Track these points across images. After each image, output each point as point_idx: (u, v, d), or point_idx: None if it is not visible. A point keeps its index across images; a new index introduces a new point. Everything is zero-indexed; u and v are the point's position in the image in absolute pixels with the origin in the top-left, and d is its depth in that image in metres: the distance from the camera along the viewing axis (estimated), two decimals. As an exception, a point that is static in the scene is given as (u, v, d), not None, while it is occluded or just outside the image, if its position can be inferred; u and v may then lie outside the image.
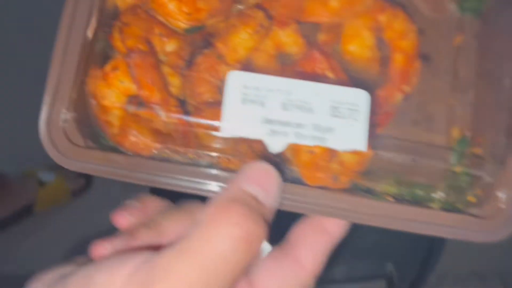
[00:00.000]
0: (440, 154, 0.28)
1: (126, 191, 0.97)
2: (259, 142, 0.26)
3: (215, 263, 0.19)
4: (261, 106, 0.25)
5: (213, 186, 0.26)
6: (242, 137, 0.26)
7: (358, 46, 0.29)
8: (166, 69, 0.28)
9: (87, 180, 0.99)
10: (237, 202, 0.20)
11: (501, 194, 0.28)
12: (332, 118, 0.25)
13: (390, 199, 0.28)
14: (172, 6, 0.28)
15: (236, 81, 0.25)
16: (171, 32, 0.28)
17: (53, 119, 0.26)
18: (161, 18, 0.28)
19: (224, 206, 0.20)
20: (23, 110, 0.97)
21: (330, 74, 0.28)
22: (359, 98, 0.26)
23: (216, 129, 0.26)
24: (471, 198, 0.28)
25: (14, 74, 1.01)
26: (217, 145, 0.27)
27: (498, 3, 0.30)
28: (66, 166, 0.26)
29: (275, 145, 0.26)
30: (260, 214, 0.20)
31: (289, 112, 0.25)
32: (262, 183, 0.22)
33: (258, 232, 0.20)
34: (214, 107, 0.27)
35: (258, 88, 0.25)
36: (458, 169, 0.29)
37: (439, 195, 0.28)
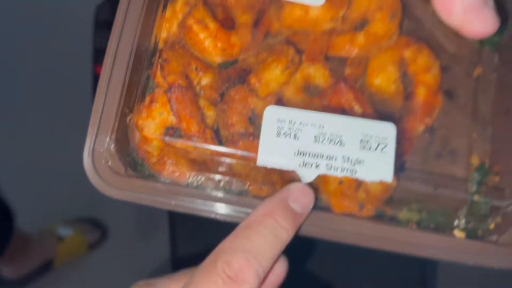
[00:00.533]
0: (460, 185, 0.29)
1: (141, 241, 1.00)
2: (290, 172, 0.28)
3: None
4: (294, 139, 0.27)
5: (245, 214, 0.28)
6: (277, 168, 0.27)
7: (383, 80, 0.30)
8: (202, 102, 0.29)
9: (103, 232, 1.02)
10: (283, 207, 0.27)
11: (519, 221, 0.29)
12: (361, 151, 0.27)
13: (413, 226, 0.30)
14: (208, 43, 0.30)
15: (272, 116, 0.27)
16: (207, 67, 0.30)
17: (96, 149, 0.28)
18: (197, 54, 0.30)
19: (271, 209, 0.26)
20: (38, 169, 1.01)
21: (356, 106, 0.30)
22: (388, 131, 0.27)
23: (249, 159, 0.28)
24: (491, 226, 0.30)
25: (28, 134, 1.05)
26: (250, 174, 0.29)
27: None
28: (109, 195, 0.28)
29: (307, 176, 0.27)
30: (295, 218, 0.27)
31: (321, 144, 0.27)
32: (301, 201, 0.27)
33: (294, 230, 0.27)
34: (247, 138, 0.28)
35: (292, 121, 0.27)
36: (477, 197, 0.30)
37: (460, 222, 0.30)
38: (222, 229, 0.26)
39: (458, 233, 0.30)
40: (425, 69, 0.30)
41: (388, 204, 0.30)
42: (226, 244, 0.26)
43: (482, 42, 0.32)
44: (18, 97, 1.07)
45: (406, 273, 0.65)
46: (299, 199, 0.27)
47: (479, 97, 0.29)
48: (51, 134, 1.03)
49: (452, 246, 0.29)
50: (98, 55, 0.66)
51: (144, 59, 0.30)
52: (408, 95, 0.31)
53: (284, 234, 0.26)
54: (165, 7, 0.30)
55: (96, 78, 0.66)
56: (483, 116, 0.29)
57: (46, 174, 0.99)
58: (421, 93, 0.30)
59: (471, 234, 0.30)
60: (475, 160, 0.31)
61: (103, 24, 0.62)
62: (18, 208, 0.90)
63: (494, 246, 0.29)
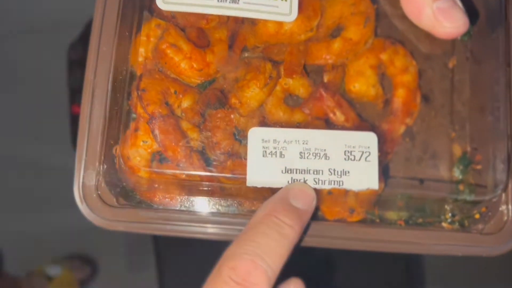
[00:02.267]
0: (445, 181, 0.30)
1: (132, 274, 0.99)
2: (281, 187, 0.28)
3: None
4: (280, 157, 0.27)
5: (239, 231, 0.28)
6: (266, 187, 0.28)
7: (362, 84, 0.30)
8: (185, 125, 0.29)
9: (93, 267, 1.01)
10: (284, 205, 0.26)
11: (504, 208, 0.30)
12: (346, 162, 0.28)
13: (402, 223, 0.31)
14: (183, 65, 0.30)
15: (256, 137, 0.27)
16: (185, 88, 0.30)
17: (85, 184, 0.28)
18: (174, 76, 0.30)
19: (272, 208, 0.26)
20: (25, 209, 0.99)
21: (338, 112, 0.30)
22: (369, 141, 0.28)
23: (239, 181, 0.28)
24: (476, 216, 0.31)
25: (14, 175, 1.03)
26: (241, 193, 0.29)
27: (487, 25, 0.32)
28: (104, 227, 0.28)
29: (296, 191, 0.28)
30: (298, 215, 0.26)
31: (307, 160, 0.27)
32: (302, 197, 0.27)
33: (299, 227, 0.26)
34: (235, 158, 0.29)
35: (276, 140, 0.27)
36: (462, 186, 0.31)
37: (447, 215, 0.31)
38: (207, 261, 0.26)
39: (446, 226, 0.31)
40: (403, 70, 0.31)
41: (377, 205, 0.30)
42: (230, 249, 0.25)
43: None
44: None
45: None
46: (300, 196, 0.26)
47: (454, 98, 0.30)
48: (34, 173, 1.02)
49: (440, 239, 0.30)
50: (74, 94, 0.65)
51: (122, 88, 0.29)
52: (388, 97, 0.31)
53: (290, 231, 0.25)
54: (137, 31, 0.30)
55: (73, 117, 0.66)
56: (460, 116, 0.30)
57: (31, 215, 0.98)
58: (400, 94, 0.31)
59: (458, 226, 0.31)
60: (457, 150, 0.32)
61: (77, 63, 0.61)
62: (4, 251, 0.89)
63: (480, 236, 0.30)
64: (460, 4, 0.27)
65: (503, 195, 0.30)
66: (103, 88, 0.29)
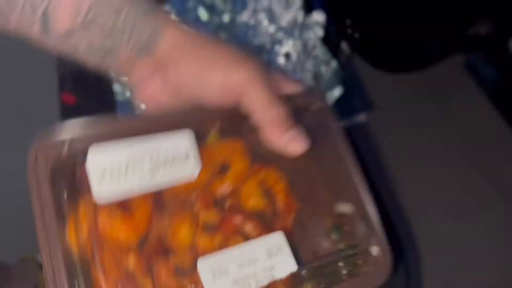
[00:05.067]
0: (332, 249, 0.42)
1: None
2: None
3: None
4: (226, 275, 0.35)
5: None
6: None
7: (255, 200, 0.41)
8: (138, 279, 0.35)
9: None
10: None
11: (372, 250, 0.43)
12: (270, 259, 0.37)
13: (317, 288, 0.41)
14: (121, 233, 0.36)
15: (205, 266, 0.35)
16: (127, 248, 0.36)
17: None
18: (114, 245, 0.36)
19: None
20: (14, 196, 0.86)
21: (247, 225, 0.40)
22: (279, 239, 0.38)
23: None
24: (360, 263, 0.43)
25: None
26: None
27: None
28: None
29: (248, 294, 0.36)
30: None
31: (246, 268, 0.36)
32: None
33: None
34: (188, 289, 0.35)
35: (220, 263, 0.35)
36: (341, 245, 0.44)
37: (343, 271, 0.42)
38: None
39: (346, 277, 0.42)
40: (276, 181, 0.43)
41: (296, 284, 0.40)
42: None
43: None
44: None
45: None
46: None
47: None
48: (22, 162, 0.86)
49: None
50: (63, 82, 0.66)
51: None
52: (273, 203, 0.42)
53: None
54: (70, 213, 0.35)
55: (63, 106, 0.67)
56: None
57: (21, 200, 0.83)
58: (280, 199, 0.42)
59: (352, 275, 0.42)
60: (328, 222, 0.44)
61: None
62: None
63: (365, 276, 0.42)
64: (301, 131, 0.40)
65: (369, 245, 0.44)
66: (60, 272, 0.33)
